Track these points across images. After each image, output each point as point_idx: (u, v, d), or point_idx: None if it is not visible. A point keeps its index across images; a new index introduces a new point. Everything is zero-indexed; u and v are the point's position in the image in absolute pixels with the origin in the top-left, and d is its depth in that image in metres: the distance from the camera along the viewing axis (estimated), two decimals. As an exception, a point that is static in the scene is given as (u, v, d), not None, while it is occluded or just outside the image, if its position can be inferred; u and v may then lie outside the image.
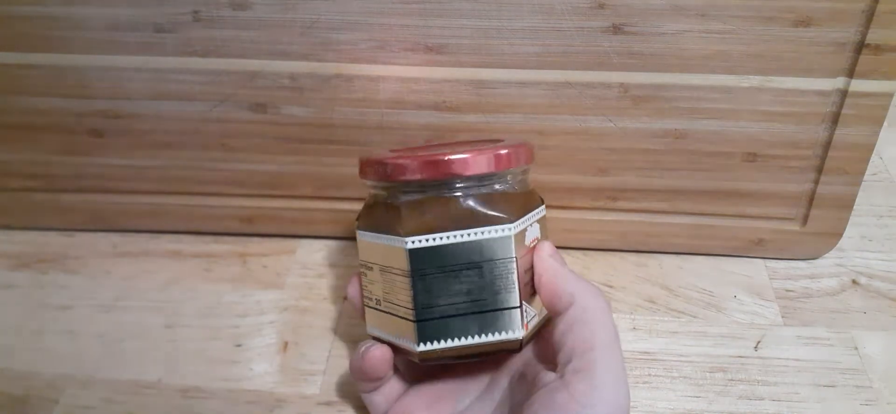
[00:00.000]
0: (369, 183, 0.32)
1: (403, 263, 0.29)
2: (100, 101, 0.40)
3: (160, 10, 0.36)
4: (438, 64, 0.37)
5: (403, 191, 0.30)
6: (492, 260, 0.28)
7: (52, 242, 0.45)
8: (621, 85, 0.37)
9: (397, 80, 0.38)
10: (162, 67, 0.38)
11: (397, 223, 0.29)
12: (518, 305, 0.29)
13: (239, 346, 0.39)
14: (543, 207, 0.32)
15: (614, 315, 0.39)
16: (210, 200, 0.43)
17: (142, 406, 0.36)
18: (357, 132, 0.40)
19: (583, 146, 0.39)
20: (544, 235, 0.32)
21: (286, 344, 0.39)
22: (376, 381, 0.31)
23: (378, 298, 0.31)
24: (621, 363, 0.27)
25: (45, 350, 0.39)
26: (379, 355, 0.30)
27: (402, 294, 0.29)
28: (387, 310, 0.30)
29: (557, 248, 0.42)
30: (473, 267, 0.28)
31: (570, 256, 0.43)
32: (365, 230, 0.31)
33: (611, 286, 0.41)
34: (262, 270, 0.43)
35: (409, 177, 0.29)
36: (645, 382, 0.36)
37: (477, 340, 0.28)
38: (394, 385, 0.32)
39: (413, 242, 0.28)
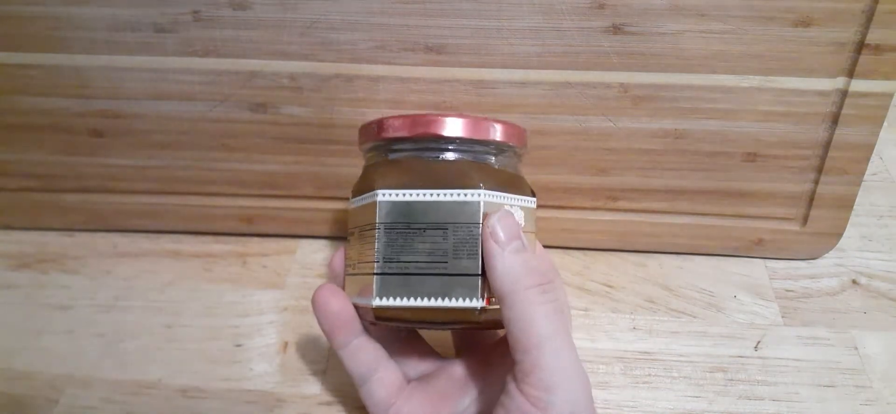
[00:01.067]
0: (364, 148, 0.32)
1: (374, 216, 0.29)
2: (100, 101, 0.40)
3: (160, 10, 0.36)
4: (438, 64, 0.37)
5: (390, 150, 0.31)
6: (457, 223, 0.28)
7: (52, 242, 0.45)
8: (621, 85, 0.37)
9: (397, 80, 0.38)
10: (162, 67, 0.38)
11: (376, 179, 0.29)
12: (479, 273, 0.28)
13: (239, 346, 0.39)
14: (534, 199, 0.32)
15: (614, 315, 0.39)
16: (210, 200, 0.43)
17: (142, 406, 0.36)
18: (357, 132, 0.40)
19: (583, 146, 0.39)
20: (530, 228, 0.31)
21: (286, 344, 0.39)
22: (337, 325, 0.30)
23: (354, 261, 0.31)
24: (571, 351, 0.27)
25: (45, 350, 0.39)
26: (328, 290, 0.30)
27: (370, 249, 0.29)
28: (358, 271, 0.30)
29: (557, 247, 0.43)
30: (439, 227, 0.28)
31: (569, 257, 0.43)
32: (352, 197, 0.32)
33: (611, 286, 0.41)
34: (262, 270, 0.43)
35: (393, 134, 0.30)
36: (645, 382, 0.36)
37: (433, 302, 0.28)
38: (391, 377, 0.31)
39: (384, 195, 0.29)
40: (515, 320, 0.27)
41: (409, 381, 0.32)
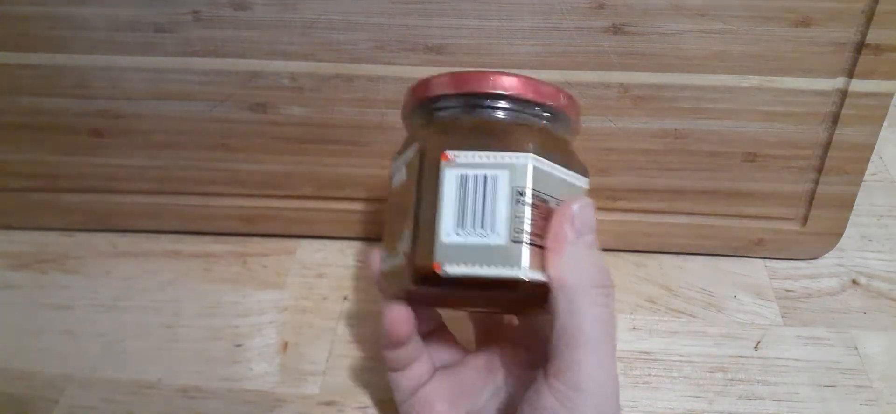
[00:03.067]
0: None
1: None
2: (100, 101, 0.40)
3: (160, 10, 0.36)
4: (438, 64, 0.37)
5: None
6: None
7: (52, 242, 0.45)
8: (621, 85, 0.37)
9: (397, 80, 0.38)
10: (162, 67, 0.38)
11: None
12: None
13: (239, 346, 0.39)
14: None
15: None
16: (210, 200, 0.43)
17: (142, 406, 0.36)
18: (357, 132, 0.40)
19: (583, 146, 0.39)
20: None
21: (286, 344, 0.39)
22: (399, 343, 0.30)
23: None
24: (612, 361, 0.26)
25: (45, 350, 0.38)
26: (398, 316, 0.29)
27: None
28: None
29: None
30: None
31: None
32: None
33: (611, 286, 0.41)
34: (262, 270, 0.43)
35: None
36: (645, 382, 0.36)
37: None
38: (421, 369, 0.31)
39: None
40: (567, 313, 0.26)
41: (435, 368, 0.32)
